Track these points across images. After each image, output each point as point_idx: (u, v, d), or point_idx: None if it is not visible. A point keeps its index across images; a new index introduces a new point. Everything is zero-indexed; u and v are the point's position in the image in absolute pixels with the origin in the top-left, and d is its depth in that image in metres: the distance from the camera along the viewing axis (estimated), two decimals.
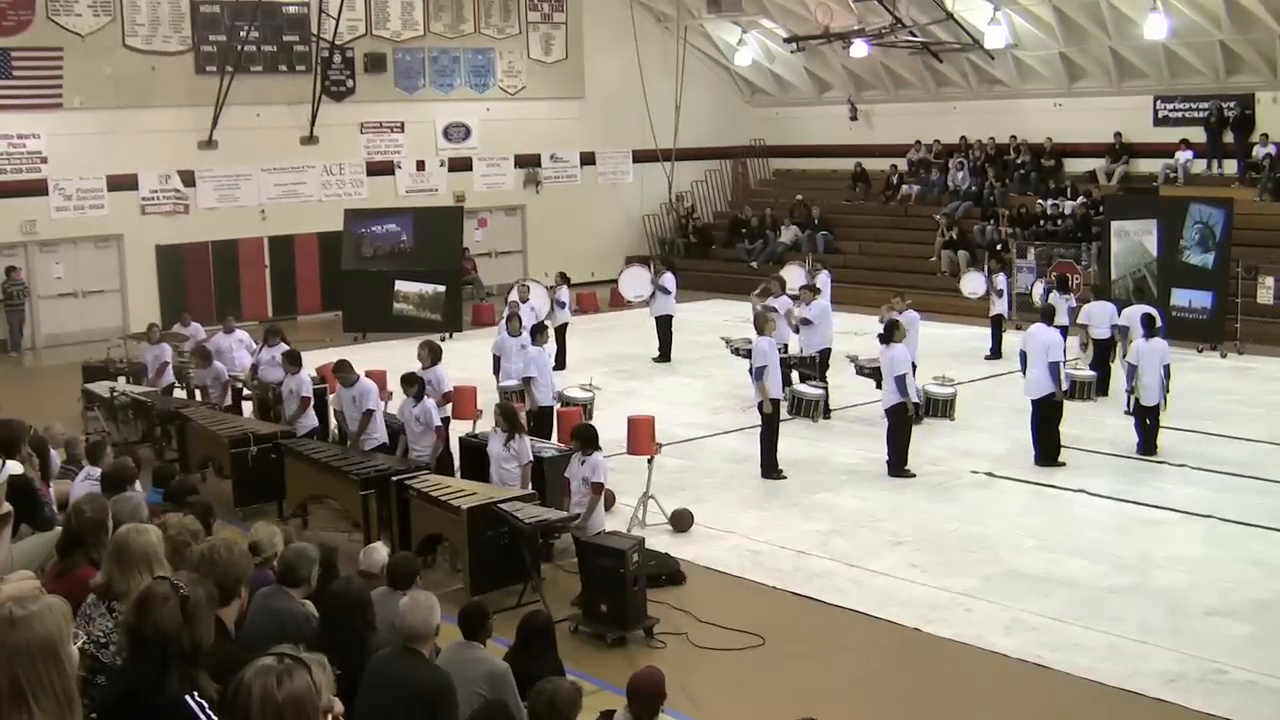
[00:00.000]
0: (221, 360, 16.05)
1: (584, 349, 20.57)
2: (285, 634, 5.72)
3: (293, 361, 13.84)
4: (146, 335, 17.23)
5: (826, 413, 16.08)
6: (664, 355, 20.57)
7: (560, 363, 18.95)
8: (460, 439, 13.04)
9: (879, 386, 15.59)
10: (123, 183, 24.01)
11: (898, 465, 13.77)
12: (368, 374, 13.39)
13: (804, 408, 15.78)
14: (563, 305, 20.72)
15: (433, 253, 24.01)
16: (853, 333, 18.70)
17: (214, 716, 3.50)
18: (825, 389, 16.24)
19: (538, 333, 14.89)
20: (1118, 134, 26.23)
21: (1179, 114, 25.57)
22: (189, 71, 24.61)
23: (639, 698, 6.25)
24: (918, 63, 28.40)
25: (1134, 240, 21.77)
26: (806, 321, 16.90)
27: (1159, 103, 25.86)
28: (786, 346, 16.69)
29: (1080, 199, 25.21)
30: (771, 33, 29.89)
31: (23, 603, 2.99)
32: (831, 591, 10.49)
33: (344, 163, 26.78)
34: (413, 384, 12.39)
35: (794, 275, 22.59)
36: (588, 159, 30.41)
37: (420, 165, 28.00)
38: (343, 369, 12.84)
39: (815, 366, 16.62)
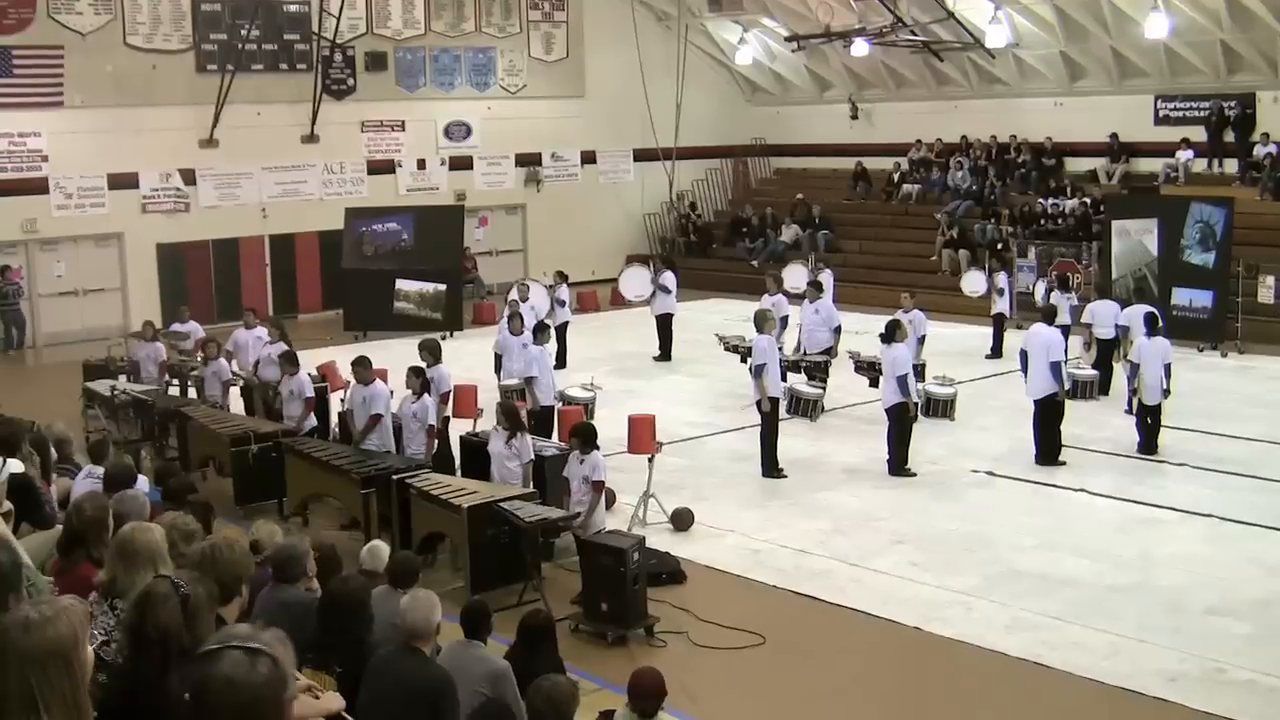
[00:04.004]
0: (239, 355, 16.04)
1: (585, 348, 20.57)
2: (295, 622, 5.69)
3: (290, 362, 13.79)
4: (140, 334, 17.21)
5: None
6: (664, 354, 20.56)
7: (561, 362, 18.94)
8: (461, 437, 13.04)
9: (873, 385, 15.64)
10: (123, 181, 24.01)
11: (898, 464, 13.77)
12: None
13: (802, 406, 15.79)
14: (563, 304, 20.71)
15: (433, 251, 24.00)
16: (854, 332, 18.69)
17: None
18: (823, 388, 16.26)
19: (539, 332, 14.89)
20: (1114, 135, 26.23)
21: (1180, 113, 25.58)
22: (190, 70, 24.61)
23: (641, 694, 6.26)
24: (919, 62, 28.39)
25: (1135, 239, 21.76)
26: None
27: (1160, 102, 25.86)
28: (782, 347, 16.69)
29: (1076, 198, 25.20)
30: (772, 31, 29.89)
31: (40, 606, 2.96)
32: (832, 590, 10.49)
33: (345, 161, 26.78)
34: (418, 377, 12.38)
35: (796, 275, 22.63)
36: (588, 158, 30.42)
37: (421, 164, 28.00)
38: (362, 365, 12.65)
39: (823, 370, 16.61)
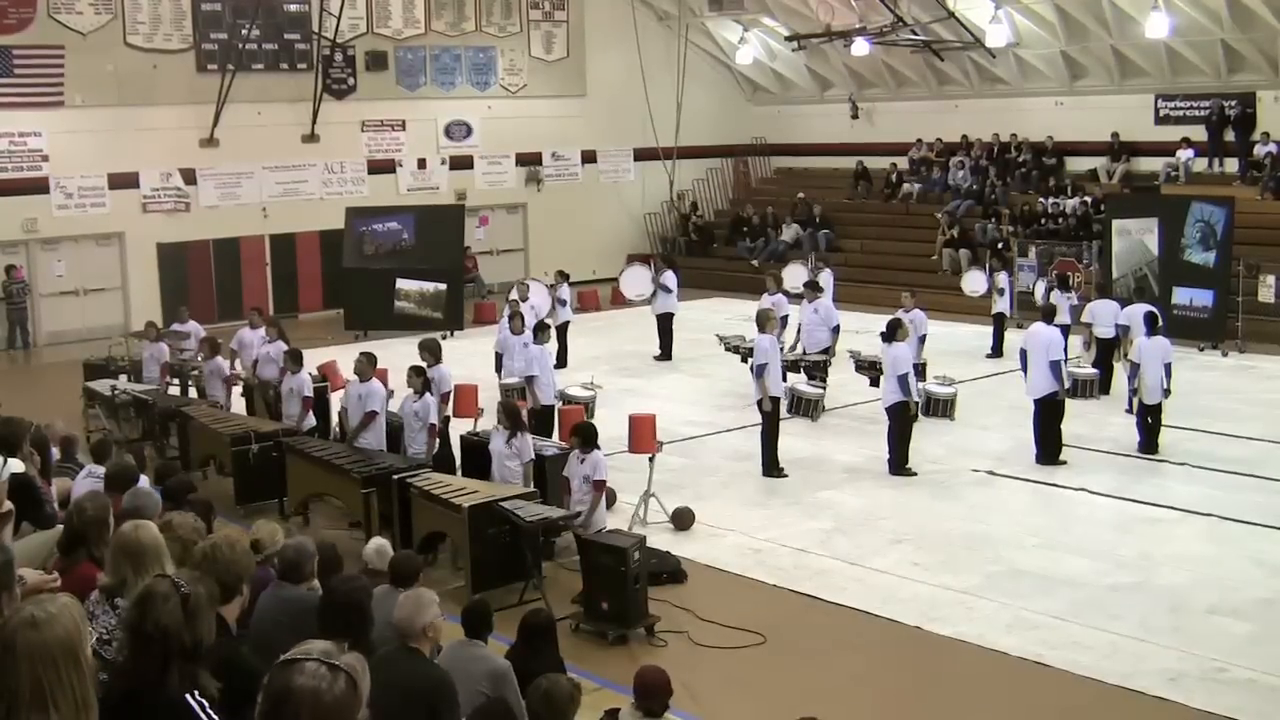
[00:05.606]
0: (243, 355, 16.04)
1: (585, 347, 20.56)
2: (297, 623, 5.70)
3: (295, 360, 13.80)
4: (144, 333, 17.21)
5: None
6: (665, 353, 20.56)
7: (561, 361, 18.93)
8: (461, 437, 13.04)
9: (873, 384, 15.64)
10: (124, 181, 24.00)
11: (899, 464, 13.76)
12: None
13: (802, 406, 15.78)
14: (564, 303, 20.71)
15: (434, 251, 23.99)
16: (854, 331, 18.70)
17: (214, 715, 3.50)
18: (824, 388, 16.23)
19: (540, 331, 14.88)
20: (1115, 134, 26.23)
21: (1180, 112, 25.57)
22: (190, 69, 24.61)
23: (647, 693, 6.25)
24: (919, 61, 28.39)
25: (1135, 239, 21.74)
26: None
27: (1160, 101, 25.86)
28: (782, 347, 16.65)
29: (1076, 198, 25.19)
30: (773, 31, 29.89)
31: (43, 604, 2.99)
32: (833, 590, 10.49)
33: (345, 161, 26.77)
34: (419, 376, 12.37)
35: (796, 274, 22.62)
36: (589, 157, 30.41)
37: (421, 163, 28.00)
38: (368, 360, 12.63)
39: (823, 370, 16.59)
